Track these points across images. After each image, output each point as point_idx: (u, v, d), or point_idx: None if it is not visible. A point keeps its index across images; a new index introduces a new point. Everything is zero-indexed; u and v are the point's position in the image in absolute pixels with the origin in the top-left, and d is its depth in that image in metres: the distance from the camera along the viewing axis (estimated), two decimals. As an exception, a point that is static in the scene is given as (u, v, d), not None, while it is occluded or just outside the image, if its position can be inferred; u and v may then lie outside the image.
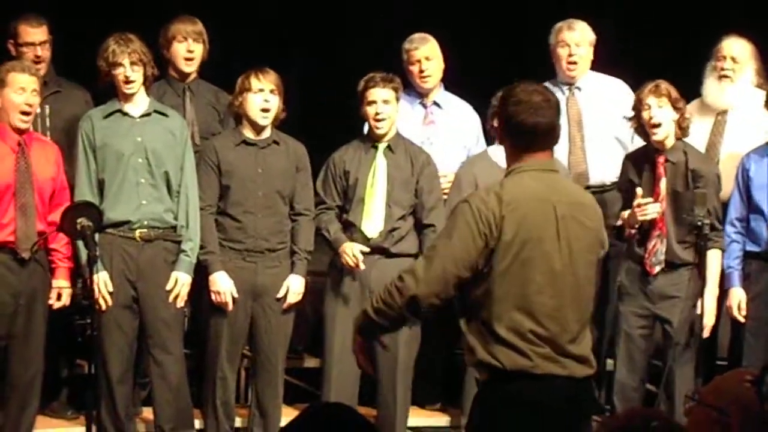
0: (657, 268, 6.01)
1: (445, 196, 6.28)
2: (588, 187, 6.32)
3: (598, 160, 6.47)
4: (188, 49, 6.31)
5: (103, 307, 5.74)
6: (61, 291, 5.75)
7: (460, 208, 3.91)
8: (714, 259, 5.99)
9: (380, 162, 6.16)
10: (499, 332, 3.84)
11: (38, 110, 5.91)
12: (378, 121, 6.09)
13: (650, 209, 5.92)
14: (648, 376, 6.21)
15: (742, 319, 6.09)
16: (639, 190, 5.95)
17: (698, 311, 5.93)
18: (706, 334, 5.95)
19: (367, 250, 6.05)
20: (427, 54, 6.50)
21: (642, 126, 6.00)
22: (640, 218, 5.93)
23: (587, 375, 3.97)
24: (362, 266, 6.02)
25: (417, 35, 6.54)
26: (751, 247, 6.11)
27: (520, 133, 3.95)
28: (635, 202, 5.93)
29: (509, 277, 3.85)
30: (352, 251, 6.03)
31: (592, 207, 4.10)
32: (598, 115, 6.49)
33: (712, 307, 5.96)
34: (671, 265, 6.01)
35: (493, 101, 6.10)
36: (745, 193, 6.12)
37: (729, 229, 6.13)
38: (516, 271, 3.85)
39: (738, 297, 6.10)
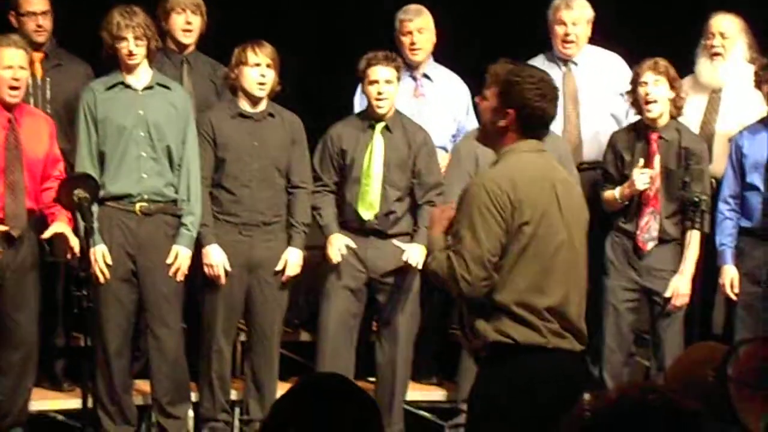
0: (650, 245, 6.06)
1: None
2: (582, 163, 6.40)
3: (593, 136, 6.48)
4: (186, 20, 6.28)
5: (101, 279, 5.75)
6: (57, 233, 5.53)
7: (475, 195, 3.94)
8: (693, 240, 6.02)
9: (377, 142, 6.14)
10: (514, 310, 3.92)
11: (39, 83, 5.92)
12: (380, 100, 6.09)
13: (646, 178, 5.98)
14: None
15: (735, 297, 6.13)
16: (641, 161, 6.00)
17: (667, 294, 6.01)
18: (677, 312, 6.03)
19: (353, 246, 6.08)
20: (419, 26, 6.48)
21: (637, 101, 6.05)
22: (642, 187, 5.95)
23: (582, 349, 4.07)
24: (338, 259, 6.06)
25: (412, 6, 6.53)
26: (744, 224, 6.15)
27: (535, 120, 4.02)
28: (636, 171, 5.97)
29: (525, 256, 3.93)
30: (338, 246, 6.06)
31: (576, 184, 4.29)
32: (595, 91, 6.50)
33: (685, 288, 6.01)
34: (661, 240, 6.07)
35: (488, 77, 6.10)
36: (739, 170, 6.15)
37: (722, 206, 6.17)
38: (531, 249, 3.93)
39: (731, 275, 6.14)
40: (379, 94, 6.06)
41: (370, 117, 6.17)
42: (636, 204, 6.08)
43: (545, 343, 3.93)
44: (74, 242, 5.55)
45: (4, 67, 5.56)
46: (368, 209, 6.12)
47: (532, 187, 3.94)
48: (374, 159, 6.13)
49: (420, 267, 6.07)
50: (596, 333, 6.07)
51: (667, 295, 6.04)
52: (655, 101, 5.98)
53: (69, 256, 5.61)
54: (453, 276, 3.91)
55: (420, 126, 6.26)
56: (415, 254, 6.08)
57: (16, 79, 5.57)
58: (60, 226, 5.60)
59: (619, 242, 6.12)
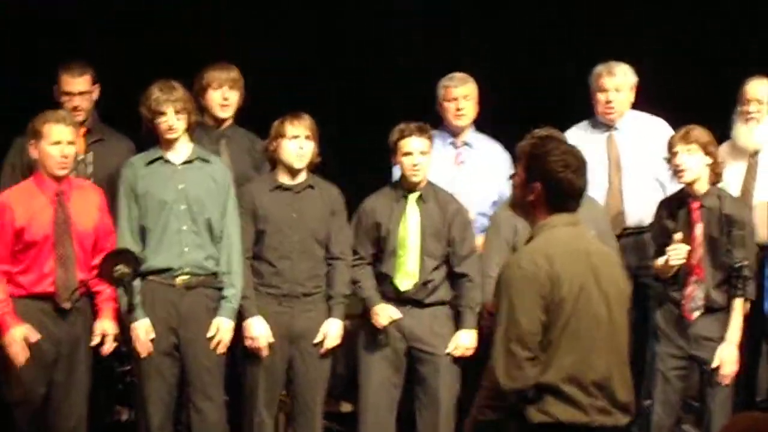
0: (696, 314, 6.01)
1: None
2: (626, 229, 6.40)
3: (636, 201, 6.47)
4: (223, 96, 6.34)
5: (143, 354, 5.76)
6: (105, 332, 5.71)
7: (512, 276, 3.91)
8: (737, 308, 5.98)
9: (412, 213, 6.17)
10: (562, 388, 3.86)
11: (81, 157, 5.97)
12: (415, 171, 6.11)
13: (681, 253, 5.96)
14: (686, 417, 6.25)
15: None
16: (679, 235, 5.98)
17: (714, 363, 5.94)
18: (726, 381, 5.96)
19: (399, 316, 6.10)
20: (465, 93, 6.57)
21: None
22: (674, 262, 5.95)
23: (629, 421, 4.01)
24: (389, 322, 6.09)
25: (457, 74, 6.62)
26: (793, 289, 6.13)
27: (565, 194, 4.00)
28: (671, 247, 5.95)
29: (567, 332, 3.88)
30: (386, 315, 6.09)
31: (614, 255, 4.30)
32: (638, 156, 6.52)
33: (732, 357, 5.96)
34: (709, 309, 6.02)
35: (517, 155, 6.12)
36: None
37: (769, 272, 6.15)
38: (573, 324, 3.88)
39: (780, 342, 6.12)
40: (414, 165, 6.10)
41: (404, 187, 6.20)
42: (683, 273, 6.05)
43: (589, 422, 3.88)
44: (110, 339, 5.70)
45: (52, 142, 5.62)
46: (407, 279, 6.13)
47: (568, 261, 3.92)
48: (410, 229, 6.15)
49: (470, 350, 6.09)
50: (643, 399, 6.04)
51: (714, 365, 5.97)
52: (685, 170, 5.97)
53: (104, 350, 5.70)
54: (499, 367, 3.83)
55: (453, 196, 6.28)
56: (464, 343, 6.11)
57: (65, 156, 5.63)
58: (104, 324, 5.71)
59: (668, 309, 6.07)
